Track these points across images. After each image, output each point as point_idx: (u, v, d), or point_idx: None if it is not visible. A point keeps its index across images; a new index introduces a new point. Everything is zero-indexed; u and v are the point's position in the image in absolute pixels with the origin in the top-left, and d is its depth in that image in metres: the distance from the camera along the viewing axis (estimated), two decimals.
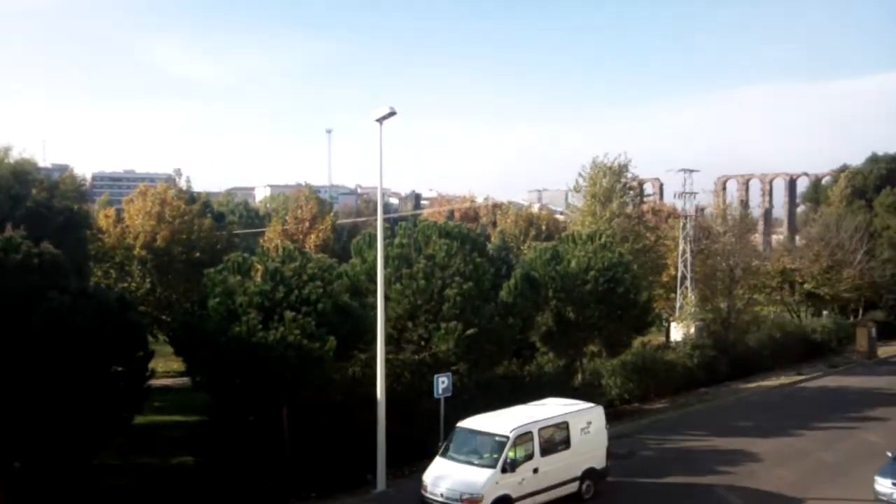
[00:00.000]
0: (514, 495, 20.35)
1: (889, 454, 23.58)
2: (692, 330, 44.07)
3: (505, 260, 35.53)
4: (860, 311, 56.64)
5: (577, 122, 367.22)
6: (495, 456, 20.40)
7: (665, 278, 49.42)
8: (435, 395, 24.71)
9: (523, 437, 20.96)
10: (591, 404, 24.27)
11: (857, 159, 75.60)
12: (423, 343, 27.77)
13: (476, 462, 20.67)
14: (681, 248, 48.10)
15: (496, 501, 19.92)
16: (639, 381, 35.44)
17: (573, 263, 33.19)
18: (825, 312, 54.70)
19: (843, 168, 75.97)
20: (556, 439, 22.07)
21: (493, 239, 64.31)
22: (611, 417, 32.13)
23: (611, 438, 28.76)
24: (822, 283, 53.54)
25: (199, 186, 76.14)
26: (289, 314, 22.28)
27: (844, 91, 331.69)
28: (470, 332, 26.66)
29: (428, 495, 20.58)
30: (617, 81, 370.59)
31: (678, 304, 47.18)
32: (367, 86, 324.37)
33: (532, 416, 22.24)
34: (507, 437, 20.57)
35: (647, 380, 35.94)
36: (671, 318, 47.86)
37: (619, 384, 34.72)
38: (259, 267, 24.31)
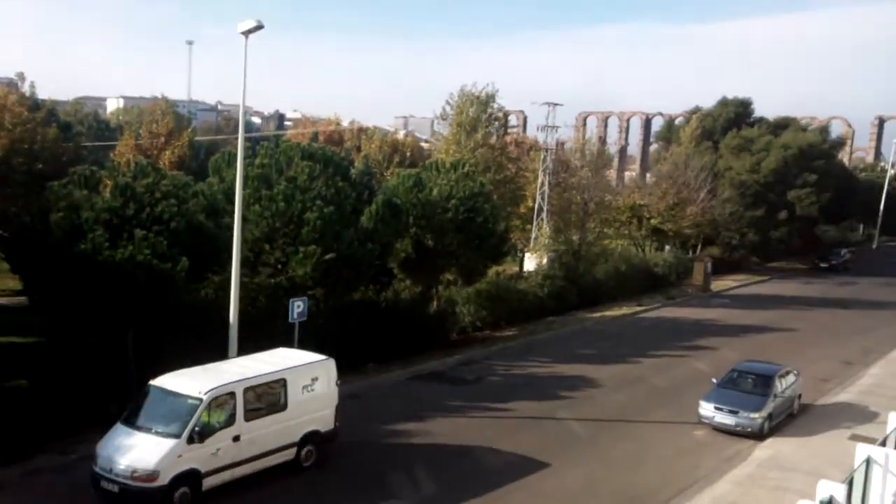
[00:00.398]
0: (203, 469, 17.14)
1: (714, 381, 25.66)
2: (545, 261, 45.59)
3: (367, 185, 35.38)
4: (699, 247, 60.16)
5: (443, 54, 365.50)
6: (184, 422, 17.01)
7: (523, 209, 50.64)
8: (290, 319, 24.58)
9: (221, 399, 17.69)
10: (321, 357, 20.76)
11: (709, 102, 78.99)
12: (279, 267, 27.45)
13: (160, 430, 17.09)
14: (540, 180, 49.31)
15: (178, 478, 16.67)
16: (492, 310, 36.47)
17: (435, 192, 33.44)
18: (668, 247, 57.68)
19: (696, 110, 79.06)
20: (267, 400, 18.81)
21: (356, 164, 63.64)
22: (462, 344, 33.34)
23: (461, 365, 30.03)
24: (667, 219, 56.25)
25: (44, 94, 70.98)
26: (139, 232, 21.44)
27: (702, 35, 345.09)
28: (328, 256, 26.51)
29: (98, 470, 16.94)
30: (482, 17, 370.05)
31: (533, 236, 48.60)
32: None
33: (240, 372, 18.85)
34: (200, 400, 17.26)
35: (500, 308, 37.04)
36: (526, 249, 49.29)
37: (472, 312, 35.63)
38: (108, 182, 23.19)
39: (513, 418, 24.55)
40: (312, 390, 19.79)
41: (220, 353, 22.21)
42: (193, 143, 62.54)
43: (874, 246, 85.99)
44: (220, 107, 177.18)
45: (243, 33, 22.37)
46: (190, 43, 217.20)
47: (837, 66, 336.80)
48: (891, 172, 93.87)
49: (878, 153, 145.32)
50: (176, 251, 21.78)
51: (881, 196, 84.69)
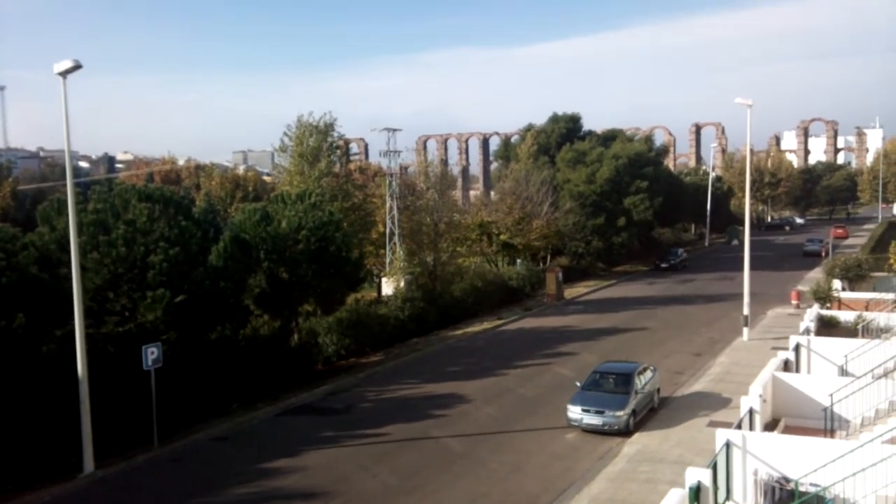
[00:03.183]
0: None
1: (577, 384, 26.32)
2: (402, 284, 45.59)
3: (213, 223, 34.29)
4: (548, 258, 62.00)
5: (279, 86, 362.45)
6: None
7: (374, 235, 50.63)
8: (144, 367, 23.27)
9: None
10: None
11: (541, 119, 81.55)
12: (127, 314, 26.01)
13: None
14: (388, 205, 49.36)
15: None
16: (354, 337, 36.01)
17: (284, 224, 32.85)
18: (519, 261, 59.06)
19: (529, 127, 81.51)
20: None
21: (198, 202, 61.61)
22: (328, 374, 32.77)
23: (330, 395, 29.59)
24: (515, 233, 57.73)
25: None
26: None
27: (528, 56, 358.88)
28: (179, 299, 25.47)
29: None
30: (315, 46, 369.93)
31: (388, 260, 48.52)
32: (46, 41, 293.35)
33: None
34: None
35: (363, 335, 36.64)
36: (382, 274, 49.14)
37: (335, 341, 35.05)
38: None
39: (388, 442, 24.18)
40: None
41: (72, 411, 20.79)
42: (17, 192, 58.51)
43: (706, 244, 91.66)
44: (41, 153, 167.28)
45: (60, 74, 21.27)
46: (1, 88, 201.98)
47: (655, 79, 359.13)
48: (712, 175, 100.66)
49: (698, 157, 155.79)
50: (8, 308, 20.13)
51: (706, 197, 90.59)
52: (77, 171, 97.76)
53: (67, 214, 22.45)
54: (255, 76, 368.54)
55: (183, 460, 23.16)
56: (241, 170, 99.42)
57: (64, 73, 21.28)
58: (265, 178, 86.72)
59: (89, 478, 21.62)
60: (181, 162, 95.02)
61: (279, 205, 34.73)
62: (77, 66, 21.19)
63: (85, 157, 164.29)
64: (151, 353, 23.46)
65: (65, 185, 22.75)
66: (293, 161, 47.14)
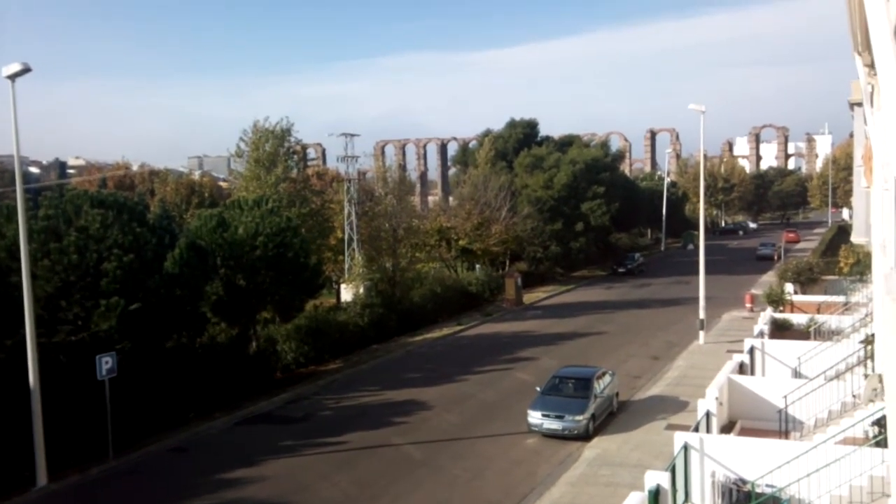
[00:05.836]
0: None
1: (537, 389, 26.44)
2: (361, 290, 45.38)
3: (168, 229, 33.54)
4: (507, 263, 62.20)
5: (235, 91, 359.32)
6: None
7: (333, 241, 50.29)
8: (98, 376, 22.80)
9: None
10: None
11: (499, 124, 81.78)
12: (80, 323, 25.45)
13: None
14: (346, 210, 49.14)
15: None
16: (313, 344, 35.71)
17: (241, 230, 32.49)
18: (478, 266, 59.18)
19: (487, 132, 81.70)
20: None
21: (153, 208, 60.62)
22: (287, 382, 32.48)
23: (289, 403, 29.39)
24: (474, 239, 57.80)
25: None
26: None
27: (486, 62, 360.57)
28: (133, 307, 25.03)
29: None
30: (274, 50, 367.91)
31: (347, 266, 48.28)
32: None
33: None
34: None
35: (322, 342, 36.34)
36: (341, 280, 48.86)
37: (294, 348, 34.73)
38: None
39: (348, 450, 24.00)
40: None
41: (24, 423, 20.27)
42: None
43: (662, 249, 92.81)
44: None
45: (8, 77, 20.77)
46: None
47: (611, 85, 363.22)
48: (667, 180, 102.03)
49: (653, 163, 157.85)
50: None
51: (662, 203, 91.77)
52: (27, 177, 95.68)
53: (17, 221, 21.94)
54: (211, 80, 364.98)
55: (139, 472, 22.75)
56: (196, 175, 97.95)
57: (12, 77, 20.76)
58: (221, 183, 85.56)
59: (42, 491, 21.13)
60: (135, 167, 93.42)
61: (236, 211, 34.36)
62: (26, 70, 20.71)
63: (35, 163, 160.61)
64: (106, 363, 22.99)
65: (14, 191, 22.24)
66: (249, 166, 46.67)
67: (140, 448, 24.40)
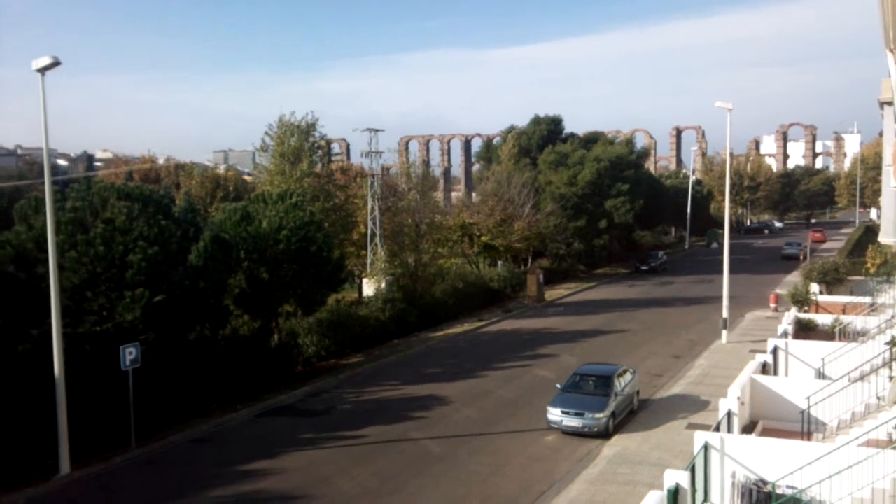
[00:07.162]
0: None
1: (558, 386, 26.36)
2: (383, 285, 45.50)
3: (192, 222, 33.91)
4: (529, 260, 62.11)
5: (260, 86, 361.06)
6: None
7: (356, 236, 50.44)
8: (122, 367, 23.08)
9: None
10: None
11: (523, 121, 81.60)
12: (105, 313, 25.76)
13: None
14: (369, 205, 49.25)
15: None
16: (335, 338, 35.91)
17: (265, 223, 32.67)
18: (500, 262, 59.16)
19: (511, 129, 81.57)
20: None
21: (178, 201, 61.11)
22: (308, 375, 32.66)
23: (310, 396, 29.56)
24: (496, 235, 57.82)
25: None
26: None
27: (511, 59, 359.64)
28: (158, 298, 25.24)
29: None
30: (299, 47, 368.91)
31: (369, 261, 48.42)
32: (25, 37, 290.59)
33: None
34: None
35: (343, 336, 36.54)
36: (363, 275, 49.03)
37: (315, 342, 34.94)
38: None
39: (367, 444, 24.10)
40: None
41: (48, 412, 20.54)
42: None
43: (686, 247, 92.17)
44: (20, 151, 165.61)
45: (39, 70, 21.02)
46: None
47: (637, 82, 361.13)
48: (693, 178, 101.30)
49: (679, 160, 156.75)
50: None
51: (687, 200, 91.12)
52: (55, 169, 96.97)
53: (45, 212, 22.22)
54: (237, 76, 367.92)
55: (161, 462, 22.98)
56: (221, 169, 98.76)
57: (42, 70, 21.04)
58: (246, 177, 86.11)
59: (65, 479, 21.40)
60: (161, 161, 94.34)
61: (260, 204, 34.54)
62: (55, 63, 20.99)
63: (63, 155, 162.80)
64: (129, 354, 23.27)
65: (42, 183, 22.51)
66: (274, 161, 46.93)
67: (162, 438, 24.68)
